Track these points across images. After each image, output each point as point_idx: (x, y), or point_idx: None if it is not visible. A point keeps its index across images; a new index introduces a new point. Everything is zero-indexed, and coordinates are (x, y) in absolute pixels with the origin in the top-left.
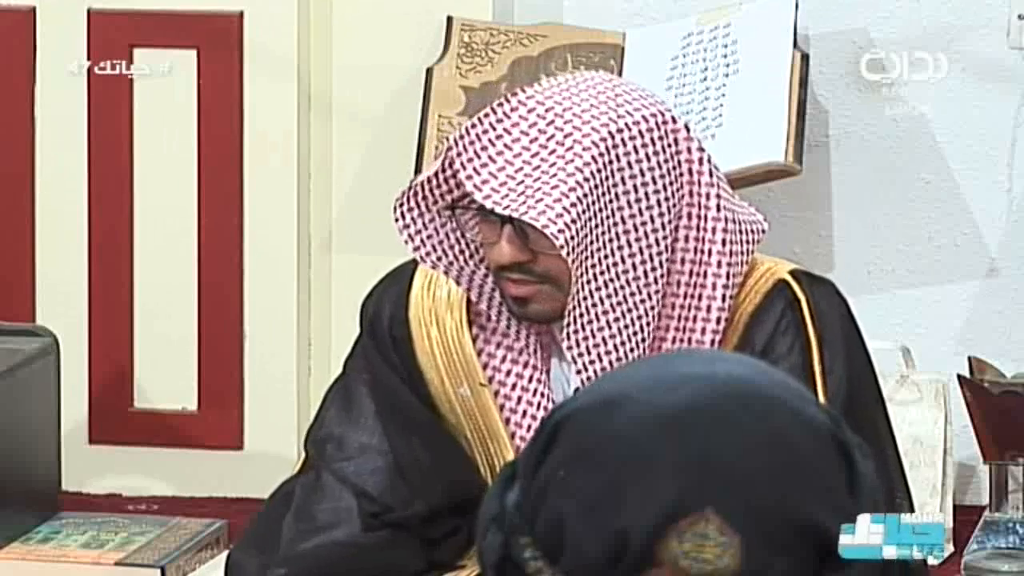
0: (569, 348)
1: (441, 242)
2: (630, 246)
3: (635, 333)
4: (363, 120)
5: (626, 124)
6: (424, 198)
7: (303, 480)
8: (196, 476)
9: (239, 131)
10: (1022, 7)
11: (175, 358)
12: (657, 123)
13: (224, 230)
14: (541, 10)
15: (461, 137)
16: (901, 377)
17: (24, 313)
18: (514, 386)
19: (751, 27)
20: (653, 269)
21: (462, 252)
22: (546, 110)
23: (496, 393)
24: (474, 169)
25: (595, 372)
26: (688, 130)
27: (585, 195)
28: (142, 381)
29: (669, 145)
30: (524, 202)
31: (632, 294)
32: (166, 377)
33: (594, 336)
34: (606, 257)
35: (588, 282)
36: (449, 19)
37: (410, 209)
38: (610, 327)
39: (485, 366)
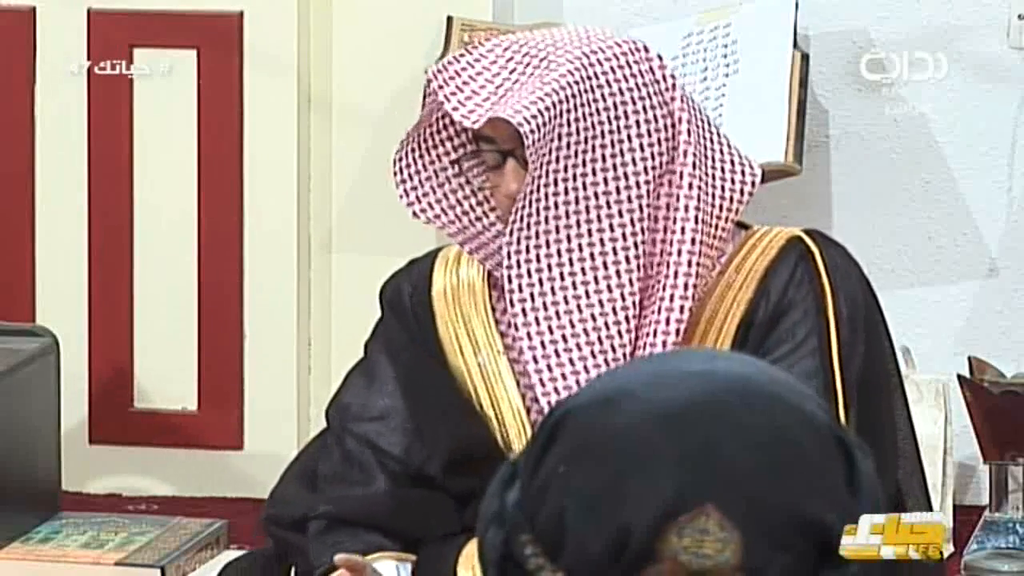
0: (508, 244)
1: (440, 200)
2: (604, 160)
3: (593, 255)
4: (363, 120)
5: (600, 48)
6: (421, 156)
7: (327, 446)
8: (196, 476)
9: (239, 131)
10: (1022, 7)
11: (175, 358)
12: (630, 49)
13: (224, 230)
14: (541, 10)
15: (439, 72)
16: None
17: (24, 313)
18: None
19: (751, 27)
20: (633, 189)
21: (466, 213)
22: (520, 44)
23: (515, 360)
24: (459, 101)
25: (523, 285)
26: (661, 59)
27: (559, 102)
28: (142, 381)
29: (646, 71)
30: (500, 107)
31: (599, 207)
32: (166, 377)
33: (537, 238)
34: (575, 166)
35: (544, 183)
36: (449, 19)
37: (407, 165)
38: (558, 232)
39: (503, 335)
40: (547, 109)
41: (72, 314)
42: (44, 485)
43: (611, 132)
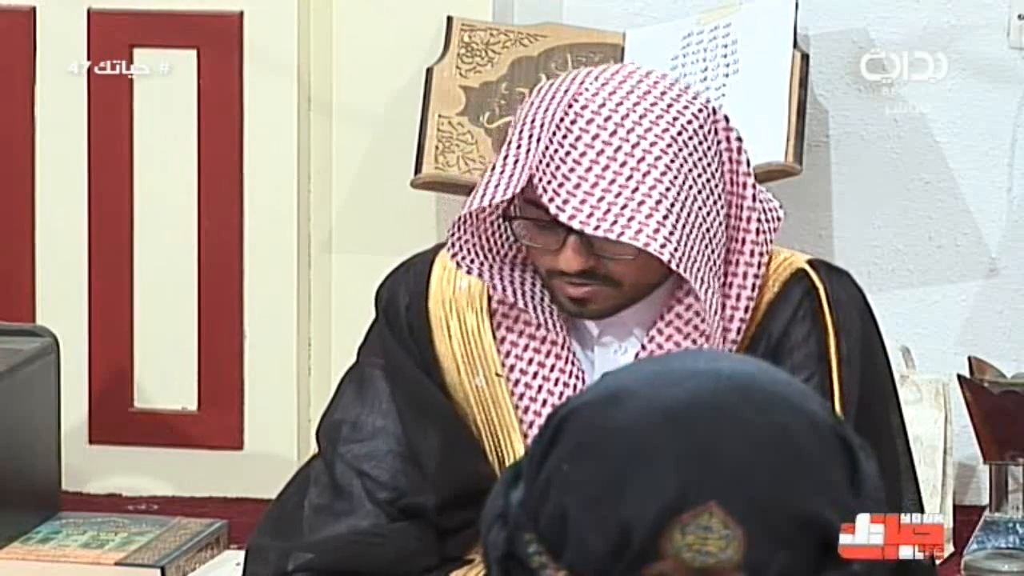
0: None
1: (475, 244)
2: (703, 238)
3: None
4: (363, 120)
5: (683, 125)
6: (486, 215)
7: (315, 472)
8: (196, 476)
9: (239, 131)
10: (1022, 7)
11: (175, 358)
12: (706, 117)
13: (224, 230)
14: (541, 10)
15: (539, 159)
16: (901, 377)
17: (24, 313)
18: (535, 375)
19: (751, 27)
20: (719, 256)
21: (498, 252)
22: (605, 119)
23: (516, 382)
24: (554, 190)
25: None
26: (727, 120)
27: (672, 204)
28: (142, 381)
29: (716, 136)
30: (615, 222)
31: (712, 283)
32: (166, 377)
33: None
34: (699, 254)
35: (698, 283)
36: (449, 19)
37: (468, 226)
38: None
39: (508, 354)
40: (667, 218)
41: (72, 314)
42: (44, 485)
43: (700, 208)
